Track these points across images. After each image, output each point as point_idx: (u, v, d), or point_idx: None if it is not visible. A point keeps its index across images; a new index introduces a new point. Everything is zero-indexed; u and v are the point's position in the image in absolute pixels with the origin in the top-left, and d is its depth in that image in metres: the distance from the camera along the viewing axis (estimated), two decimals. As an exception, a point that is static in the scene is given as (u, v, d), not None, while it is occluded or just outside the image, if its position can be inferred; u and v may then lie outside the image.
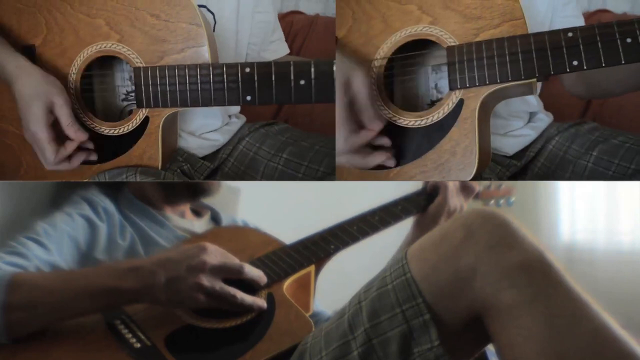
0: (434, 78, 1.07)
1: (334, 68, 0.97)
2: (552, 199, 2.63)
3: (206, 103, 1.02)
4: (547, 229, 2.60)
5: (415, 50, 1.05)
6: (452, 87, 0.99)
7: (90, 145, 1.05)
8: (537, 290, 0.67)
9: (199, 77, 1.01)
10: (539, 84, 1.14)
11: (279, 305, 0.91)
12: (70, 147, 1.02)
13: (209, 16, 1.13)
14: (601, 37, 0.90)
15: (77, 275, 0.89)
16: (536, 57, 0.94)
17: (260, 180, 1.14)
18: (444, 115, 0.99)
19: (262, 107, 1.49)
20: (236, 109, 1.24)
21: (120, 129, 1.07)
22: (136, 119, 1.06)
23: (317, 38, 1.66)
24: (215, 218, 1.25)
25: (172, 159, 1.12)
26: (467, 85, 0.98)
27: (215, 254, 0.87)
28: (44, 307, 0.82)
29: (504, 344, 0.69)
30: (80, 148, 1.04)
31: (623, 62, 0.90)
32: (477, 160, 0.96)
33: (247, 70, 1.00)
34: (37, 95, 1.00)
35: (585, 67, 0.92)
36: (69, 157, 1.03)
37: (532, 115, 1.18)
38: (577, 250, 2.55)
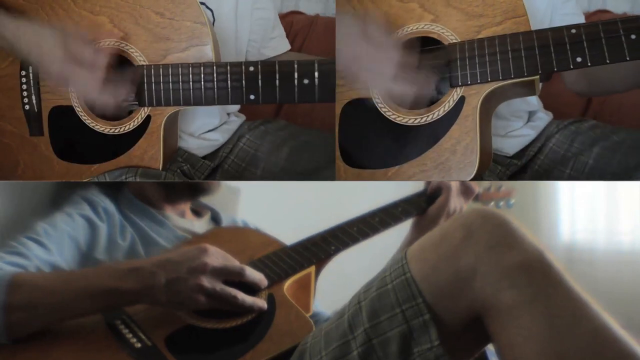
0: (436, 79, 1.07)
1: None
2: (552, 199, 2.63)
3: (209, 102, 1.02)
4: (547, 229, 2.60)
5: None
6: (453, 85, 0.98)
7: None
8: (537, 290, 0.67)
9: (202, 75, 1.01)
10: (540, 84, 1.14)
11: (279, 306, 0.91)
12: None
13: (208, 13, 1.13)
14: (605, 33, 0.90)
15: (78, 275, 0.89)
16: (539, 54, 0.93)
17: (261, 175, 1.14)
18: (444, 113, 0.99)
19: (262, 106, 1.49)
20: (235, 107, 1.24)
21: (121, 128, 1.06)
22: (138, 117, 1.05)
23: (317, 38, 1.66)
24: (215, 218, 1.25)
25: (172, 159, 1.12)
26: (469, 82, 0.97)
27: (216, 256, 0.87)
28: (44, 308, 0.82)
29: (504, 344, 0.68)
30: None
31: (628, 58, 0.89)
32: (478, 160, 0.96)
33: (251, 69, 1.00)
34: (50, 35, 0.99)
35: (589, 64, 0.91)
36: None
37: (531, 115, 1.17)
38: (577, 250, 2.55)
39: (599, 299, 0.68)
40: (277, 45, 1.27)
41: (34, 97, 1.09)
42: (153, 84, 1.03)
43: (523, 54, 0.94)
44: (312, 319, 0.91)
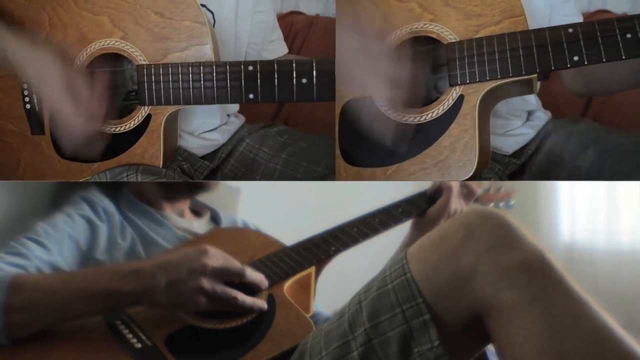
0: (434, 78, 1.07)
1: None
2: (552, 199, 2.63)
3: (209, 101, 1.02)
4: (547, 229, 2.60)
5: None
6: (452, 83, 0.99)
7: None
8: (537, 290, 0.67)
9: (202, 74, 1.02)
10: (538, 83, 1.14)
11: (279, 307, 0.91)
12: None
13: (208, 15, 1.14)
14: (601, 32, 0.91)
15: (78, 277, 0.89)
16: (537, 53, 0.94)
17: (260, 180, 1.14)
18: (443, 112, 0.99)
19: (262, 106, 1.49)
20: (235, 108, 1.24)
21: (121, 126, 1.06)
22: (138, 116, 1.06)
23: (317, 38, 1.66)
24: (215, 218, 1.25)
25: (172, 158, 1.12)
26: (468, 81, 0.98)
27: (216, 257, 0.87)
28: (44, 309, 0.82)
29: (504, 344, 0.69)
30: None
31: (624, 57, 0.90)
32: (477, 158, 0.96)
33: (250, 68, 1.00)
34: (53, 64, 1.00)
35: (586, 63, 0.92)
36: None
37: (530, 114, 1.18)
38: (577, 250, 2.56)
39: (599, 299, 0.68)
40: (277, 48, 1.28)
41: (34, 96, 1.09)
42: (153, 83, 1.03)
43: (521, 53, 0.95)
44: (312, 319, 0.91)
